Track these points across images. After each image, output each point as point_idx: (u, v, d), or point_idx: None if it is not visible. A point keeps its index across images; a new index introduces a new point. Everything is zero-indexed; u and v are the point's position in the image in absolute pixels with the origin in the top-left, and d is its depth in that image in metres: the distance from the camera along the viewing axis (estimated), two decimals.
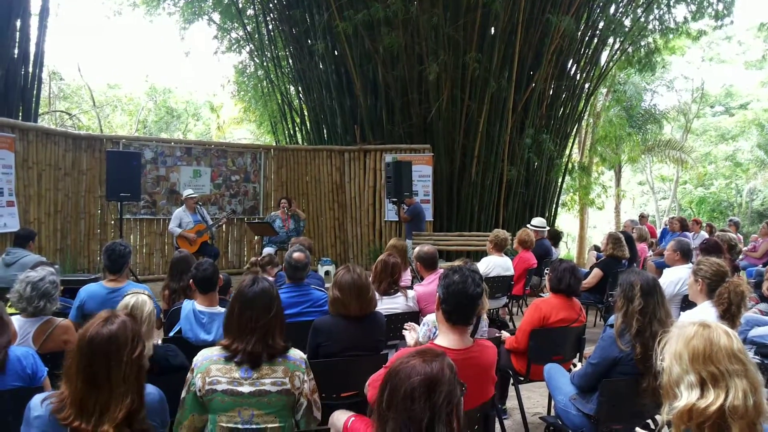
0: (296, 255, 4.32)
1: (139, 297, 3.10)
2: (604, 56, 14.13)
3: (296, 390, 2.50)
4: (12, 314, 3.27)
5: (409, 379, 1.67)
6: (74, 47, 42.43)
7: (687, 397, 1.72)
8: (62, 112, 20.11)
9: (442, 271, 2.94)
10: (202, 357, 2.52)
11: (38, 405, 2.06)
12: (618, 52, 14.05)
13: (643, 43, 14.21)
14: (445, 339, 2.57)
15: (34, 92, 10.10)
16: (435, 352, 1.81)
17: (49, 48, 9.95)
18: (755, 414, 1.65)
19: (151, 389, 2.20)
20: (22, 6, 9.57)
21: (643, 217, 13.39)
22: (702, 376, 1.71)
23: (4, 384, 2.69)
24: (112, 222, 10.29)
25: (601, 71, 14.19)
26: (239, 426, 2.42)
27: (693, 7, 13.91)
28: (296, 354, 2.59)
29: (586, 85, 13.91)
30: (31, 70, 9.87)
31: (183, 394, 2.50)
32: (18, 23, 9.47)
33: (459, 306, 2.55)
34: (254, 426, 2.43)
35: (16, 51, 9.46)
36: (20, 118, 9.40)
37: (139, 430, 2.02)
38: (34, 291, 3.41)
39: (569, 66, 13.16)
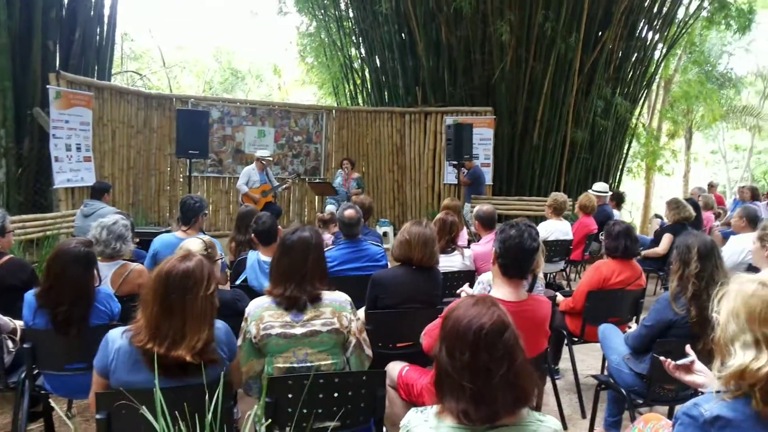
0: (347, 212, 4.44)
1: (189, 240, 3.28)
2: (680, 15, 13.44)
3: (345, 329, 2.64)
4: None
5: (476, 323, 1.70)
6: (144, 9, 43.40)
7: (742, 356, 1.69)
8: (133, 72, 20.78)
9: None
10: (254, 306, 2.68)
11: (118, 337, 2.24)
12: (696, 9, 13.33)
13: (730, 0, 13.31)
14: (500, 291, 2.64)
15: (108, 52, 10.51)
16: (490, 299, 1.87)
17: (120, 10, 10.36)
18: None
19: (218, 324, 2.37)
20: None
21: (711, 186, 12.90)
22: (757, 336, 1.68)
23: (93, 320, 2.97)
24: (181, 179, 10.70)
25: (677, 31, 13.52)
26: (295, 365, 2.59)
27: None
28: (341, 296, 2.72)
29: (659, 46, 13.34)
30: (105, 30, 10.25)
31: (239, 342, 2.63)
32: None
33: (516, 260, 2.61)
34: (309, 364, 2.58)
35: (92, 12, 9.83)
36: (95, 77, 9.82)
37: (209, 360, 2.20)
38: (109, 234, 3.66)
39: (640, 26, 12.62)
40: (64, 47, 9.48)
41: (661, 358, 2.40)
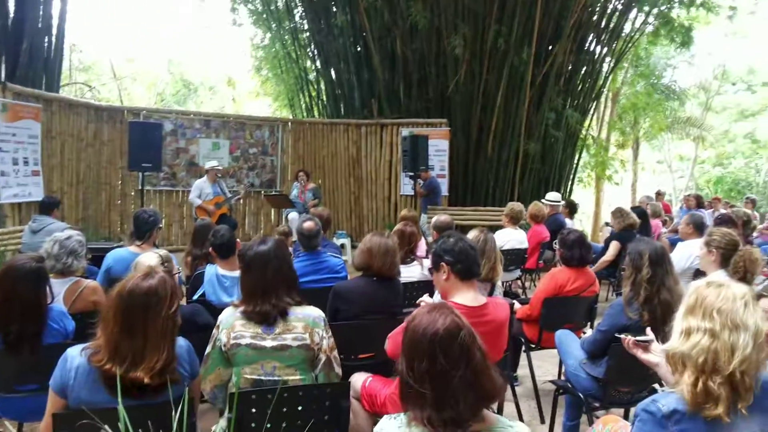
0: (306, 225, 4.44)
1: (145, 254, 3.24)
2: (627, 30, 13.89)
3: (315, 345, 2.62)
4: None
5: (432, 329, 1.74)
6: (93, 21, 42.47)
7: (673, 341, 1.86)
8: (82, 84, 20.28)
9: None
10: (227, 314, 2.66)
11: (77, 354, 2.18)
12: (641, 25, 13.82)
13: (673, 15, 13.83)
14: (461, 298, 2.69)
15: (57, 64, 10.25)
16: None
17: (69, 21, 10.11)
18: (711, 370, 1.72)
19: (180, 341, 2.33)
20: None
21: (659, 194, 13.37)
22: (683, 327, 1.83)
23: (46, 339, 2.88)
24: (133, 193, 10.48)
25: (624, 45, 13.98)
26: (262, 377, 2.57)
27: None
28: (315, 311, 2.71)
29: (607, 60, 13.76)
30: (54, 41, 10.00)
31: (208, 350, 2.64)
32: None
33: (469, 259, 2.75)
34: (276, 377, 2.57)
35: (39, 23, 9.58)
36: (43, 88, 9.55)
37: (171, 379, 2.16)
38: (62, 249, 3.57)
39: (589, 40, 13.01)
40: (10, 58, 9.19)
41: (622, 335, 2.52)
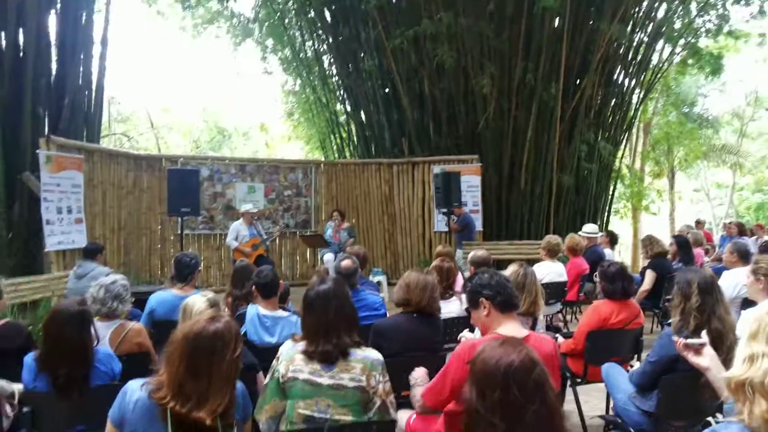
0: (344, 263, 4.49)
1: (194, 297, 3.28)
2: (655, 61, 13.87)
3: (371, 389, 2.61)
4: None
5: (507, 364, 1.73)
6: (130, 74, 44.13)
7: (736, 368, 1.79)
8: (122, 134, 20.98)
9: None
10: (287, 347, 2.69)
11: (137, 389, 2.19)
12: (669, 55, 13.80)
13: (701, 46, 13.76)
14: (504, 330, 2.66)
15: (97, 116, 10.63)
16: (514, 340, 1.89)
17: (108, 75, 10.53)
18: None
19: (237, 384, 2.32)
20: (86, 37, 10.13)
21: (699, 223, 13.10)
22: (747, 353, 1.77)
23: (94, 381, 2.93)
24: (172, 237, 10.68)
25: (653, 76, 13.94)
26: (315, 414, 2.55)
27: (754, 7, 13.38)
28: (374, 354, 2.71)
29: (636, 91, 13.71)
30: (94, 96, 10.40)
31: (266, 380, 2.67)
32: (82, 54, 10.02)
33: (507, 290, 2.75)
34: (329, 416, 2.55)
35: (80, 79, 9.99)
36: (85, 140, 9.90)
37: (228, 424, 2.16)
38: (107, 293, 3.66)
39: (617, 72, 13.01)
40: (53, 113, 9.57)
41: (674, 337, 2.54)
